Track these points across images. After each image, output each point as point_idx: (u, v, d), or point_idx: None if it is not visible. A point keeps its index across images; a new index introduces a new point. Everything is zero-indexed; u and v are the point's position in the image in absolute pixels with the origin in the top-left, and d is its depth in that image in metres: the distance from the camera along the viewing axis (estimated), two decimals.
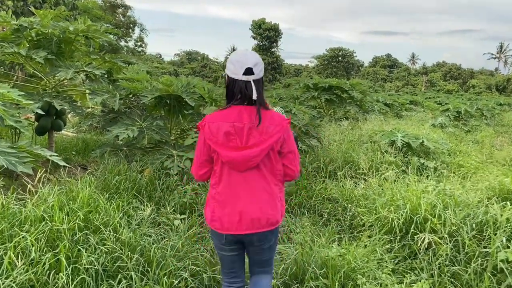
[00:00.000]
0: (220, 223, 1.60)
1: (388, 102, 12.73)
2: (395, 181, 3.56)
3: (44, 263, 1.73)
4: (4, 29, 4.67)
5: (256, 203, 1.58)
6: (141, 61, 6.96)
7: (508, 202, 2.60)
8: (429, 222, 2.55)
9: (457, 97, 29.09)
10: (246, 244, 1.67)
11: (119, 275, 1.91)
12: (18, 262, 1.65)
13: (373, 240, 2.59)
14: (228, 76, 1.60)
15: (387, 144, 5.19)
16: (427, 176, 3.85)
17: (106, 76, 4.60)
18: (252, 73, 1.56)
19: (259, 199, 1.59)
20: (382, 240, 2.60)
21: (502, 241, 2.22)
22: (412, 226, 2.60)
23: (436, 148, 5.47)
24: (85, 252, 1.88)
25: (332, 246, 2.48)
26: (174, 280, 1.97)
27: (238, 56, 1.59)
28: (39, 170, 2.31)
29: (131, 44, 31.06)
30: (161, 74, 7.54)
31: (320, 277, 2.20)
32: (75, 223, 2.01)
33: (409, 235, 2.59)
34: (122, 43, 28.09)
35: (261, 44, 49.84)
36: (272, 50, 50.32)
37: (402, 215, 2.71)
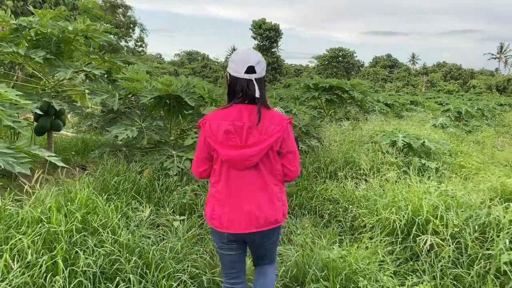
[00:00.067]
0: (220, 221, 1.60)
1: (388, 103, 12.71)
2: (396, 182, 3.53)
3: (41, 266, 1.71)
4: (4, 29, 4.65)
5: (255, 202, 1.58)
6: (141, 61, 6.94)
7: (511, 203, 2.57)
8: (431, 223, 2.53)
9: (457, 97, 29.08)
10: (248, 243, 1.68)
11: (117, 277, 1.88)
12: (14, 265, 1.62)
13: (375, 242, 2.57)
14: (230, 74, 1.60)
15: (388, 145, 5.17)
16: (429, 177, 3.82)
17: (105, 76, 4.58)
18: (254, 72, 1.56)
19: (258, 198, 1.58)
20: (384, 242, 2.58)
21: (505, 243, 2.19)
22: (414, 228, 2.57)
23: (437, 149, 5.44)
24: (83, 254, 1.85)
25: (333, 248, 2.46)
26: (173, 283, 1.94)
27: (240, 54, 1.59)
28: (36, 171, 2.29)
29: (131, 44, 31.05)
30: (161, 74, 7.51)
31: (321, 279, 2.17)
32: (73, 224, 1.99)
33: (411, 236, 2.57)
34: (122, 43, 28.09)
35: (261, 44, 49.82)
36: (272, 50, 50.30)
37: (403, 216, 2.68)
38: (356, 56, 62.20)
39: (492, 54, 69.53)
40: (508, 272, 2.06)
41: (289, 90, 10.95)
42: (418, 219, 2.60)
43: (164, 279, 1.96)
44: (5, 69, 6.51)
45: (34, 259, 1.73)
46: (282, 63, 53.93)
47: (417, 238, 2.49)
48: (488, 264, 2.20)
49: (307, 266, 2.28)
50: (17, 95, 2.62)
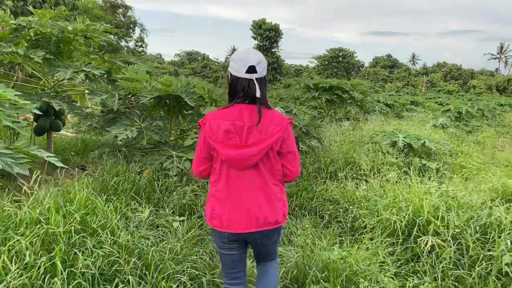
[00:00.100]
0: (219, 221, 1.60)
1: (389, 103, 12.69)
2: (397, 182, 3.52)
3: (39, 267, 1.69)
4: (4, 29, 4.64)
5: (255, 202, 1.58)
6: (141, 61, 6.93)
7: None
8: (432, 224, 2.51)
9: (457, 97, 29.08)
10: (249, 242, 1.69)
11: (116, 279, 1.87)
12: (12, 266, 1.61)
13: (375, 243, 2.55)
14: (231, 74, 1.60)
15: (388, 145, 5.15)
16: (429, 178, 3.81)
17: (105, 76, 4.57)
18: (255, 71, 1.56)
19: (258, 198, 1.58)
20: (385, 242, 2.56)
21: (507, 244, 2.18)
22: (415, 229, 2.56)
23: (438, 149, 5.43)
24: (82, 255, 1.83)
25: (333, 249, 2.44)
26: (172, 284, 1.93)
27: (241, 54, 1.59)
28: (35, 172, 2.27)
29: (131, 44, 31.06)
30: (161, 74, 7.50)
31: (322, 280, 2.16)
32: (72, 225, 1.97)
33: (412, 237, 2.55)
34: (123, 43, 28.09)
35: (261, 44, 49.82)
36: (272, 50, 50.30)
37: (404, 217, 2.67)
38: (356, 56, 62.23)
39: (492, 54, 69.56)
40: (510, 273, 2.05)
41: (289, 90, 10.94)
42: (419, 220, 2.59)
43: (164, 281, 1.95)
44: (5, 69, 6.50)
45: (33, 260, 1.72)
46: (282, 63, 53.93)
47: (418, 239, 2.48)
48: (490, 265, 2.18)
49: (307, 267, 2.27)
50: (16, 95, 2.61)
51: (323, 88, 8.48)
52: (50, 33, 4.11)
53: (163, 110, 4.36)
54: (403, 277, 2.35)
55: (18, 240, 1.76)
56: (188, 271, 2.08)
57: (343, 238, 2.84)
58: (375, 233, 2.74)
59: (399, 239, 2.59)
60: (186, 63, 59.01)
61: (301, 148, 4.78)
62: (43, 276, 1.69)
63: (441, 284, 2.20)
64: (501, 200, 3.12)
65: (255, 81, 1.54)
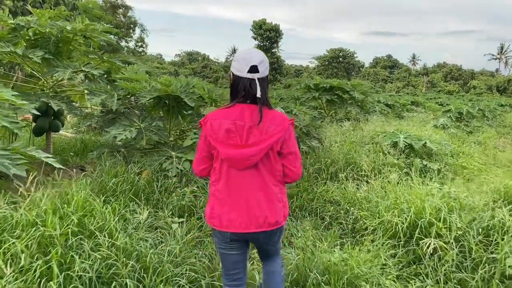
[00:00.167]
0: (219, 220, 1.60)
1: (389, 103, 12.67)
2: (398, 183, 3.49)
3: (35, 271, 1.66)
4: (3, 28, 4.61)
5: (254, 202, 1.58)
6: (141, 61, 6.90)
7: None
8: (434, 226, 2.48)
9: (458, 98, 29.06)
10: (250, 241, 1.70)
11: (114, 282, 1.84)
12: (7, 270, 1.58)
13: (376, 245, 2.52)
14: (233, 73, 1.60)
15: (389, 146, 5.13)
16: (431, 179, 3.78)
17: (105, 76, 4.54)
18: (257, 71, 1.56)
19: (257, 198, 1.58)
20: (386, 244, 2.53)
21: (510, 246, 2.15)
22: (417, 231, 2.53)
23: (439, 150, 5.40)
24: (79, 258, 1.80)
25: (334, 251, 2.41)
26: (171, 287, 1.90)
27: (243, 54, 1.60)
28: (31, 173, 2.24)
29: (131, 44, 31.07)
30: (161, 74, 7.48)
31: (322, 283, 2.12)
32: (69, 228, 1.94)
33: (414, 239, 2.52)
34: (123, 43, 28.10)
35: (261, 44, 49.84)
36: (272, 50, 50.32)
37: (406, 219, 2.64)
38: (357, 57, 62.24)
39: (493, 55, 69.46)
40: None
41: (289, 91, 10.92)
42: (421, 221, 2.56)
43: (162, 284, 1.92)
44: (5, 70, 6.47)
45: (28, 263, 1.69)
46: (282, 64, 53.96)
47: (420, 241, 2.45)
48: (493, 268, 2.15)
49: (308, 270, 2.24)
50: (13, 95, 2.58)
51: (324, 89, 8.46)
52: (49, 33, 4.08)
53: (163, 110, 4.33)
54: (405, 280, 2.32)
55: (13, 243, 1.73)
56: (187, 274, 2.05)
57: (344, 240, 2.81)
58: (376, 235, 2.71)
59: (400, 241, 2.56)
60: (186, 63, 59.00)
61: (302, 148, 4.75)
62: (39, 279, 1.66)
63: (444, 287, 2.17)
64: (503, 201, 3.09)
65: (256, 81, 1.54)
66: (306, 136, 5.10)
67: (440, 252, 2.36)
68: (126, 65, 5.02)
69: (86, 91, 4.40)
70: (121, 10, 27.94)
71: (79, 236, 1.98)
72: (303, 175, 3.97)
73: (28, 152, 2.48)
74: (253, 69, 1.54)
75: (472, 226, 2.47)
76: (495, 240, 2.33)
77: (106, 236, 2.04)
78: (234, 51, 62.63)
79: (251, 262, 2.34)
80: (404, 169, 4.30)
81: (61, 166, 2.63)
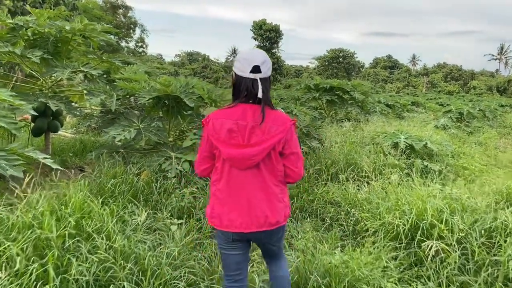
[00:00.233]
0: (220, 220, 1.60)
1: (389, 103, 12.64)
2: (399, 184, 3.46)
3: (31, 274, 1.63)
4: (3, 28, 4.59)
5: (254, 202, 1.58)
6: (141, 62, 6.88)
7: None
8: (436, 228, 2.46)
9: (458, 98, 29.04)
10: (253, 241, 1.70)
11: (112, 285, 1.81)
12: (2, 273, 1.55)
13: (378, 247, 2.49)
14: (235, 73, 1.60)
15: (390, 146, 5.10)
16: (432, 180, 3.75)
17: (104, 76, 4.52)
18: (259, 71, 1.56)
19: (258, 198, 1.58)
20: (388, 246, 2.50)
21: None
22: (418, 232, 2.50)
23: (440, 150, 5.37)
24: (76, 261, 1.78)
25: (335, 253, 2.38)
26: None
27: (246, 54, 1.60)
28: (27, 174, 2.22)
29: (131, 44, 31.08)
30: (161, 74, 7.45)
31: (323, 286, 2.10)
32: (66, 230, 1.91)
33: (415, 241, 2.50)
34: (123, 43, 28.10)
35: (261, 45, 49.87)
36: (273, 51, 50.35)
37: (407, 220, 2.61)
38: (357, 57, 62.22)
39: (493, 55, 69.44)
40: None
41: (289, 91, 10.90)
42: (423, 223, 2.53)
43: (160, 287, 1.89)
44: (4, 70, 6.45)
45: (24, 266, 1.66)
46: (282, 64, 53.97)
47: (421, 244, 2.42)
48: (496, 271, 2.13)
49: (308, 273, 2.21)
50: (10, 95, 2.55)
51: (324, 89, 8.43)
52: (47, 32, 4.06)
53: (162, 110, 4.31)
54: (407, 282, 2.29)
55: (8, 246, 1.70)
56: (186, 277, 2.02)
57: (345, 242, 2.78)
58: (377, 236, 2.68)
59: (402, 243, 2.53)
60: (186, 64, 58.98)
61: (302, 149, 4.73)
62: (34, 283, 1.63)
63: None
64: (505, 203, 3.06)
65: (258, 81, 1.55)
66: (306, 137, 5.07)
67: (442, 255, 2.33)
68: (126, 65, 4.99)
69: (85, 91, 4.37)
70: (121, 10, 27.94)
71: (76, 239, 1.95)
72: (304, 175, 3.94)
73: (25, 153, 2.46)
74: (256, 69, 1.55)
75: (474, 228, 2.44)
76: (498, 242, 2.30)
77: (104, 238, 2.01)
78: (234, 51, 62.65)
79: (251, 265, 2.31)
80: (405, 170, 4.28)
81: (58, 167, 2.60)
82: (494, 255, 2.26)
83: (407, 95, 34.56)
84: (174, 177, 3.38)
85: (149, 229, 2.52)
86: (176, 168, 3.46)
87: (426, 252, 2.34)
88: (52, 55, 4.18)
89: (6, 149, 2.38)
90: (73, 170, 3.44)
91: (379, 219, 2.81)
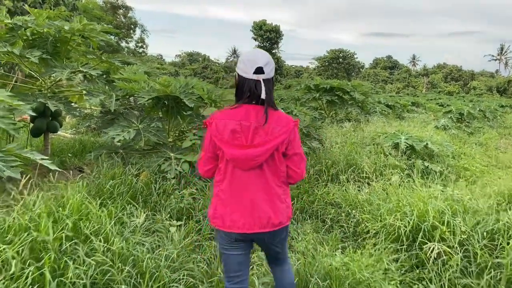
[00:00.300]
0: (222, 220, 1.60)
1: (390, 104, 12.62)
2: (400, 185, 3.43)
3: (27, 277, 1.61)
4: (2, 28, 4.57)
5: (257, 203, 1.57)
6: (141, 62, 6.85)
7: None
8: (438, 230, 2.43)
9: (458, 98, 29.00)
10: (256, 242, 1.69)
11: None
12: None
13: (379, 249, 2.47)
14: (238, 74, 1.61)
15: (390, 147, 5.07)
16: (433, 181, 3.72)
17: (104, 76, 4.49)
18: (263, 72, 1.57)
19: (260, 199, 1.58)
20: (389, 248, 2.48)
21: None
22: (420, 234, 2.47)
23: (440, 151, 5.35)
24: (73, 264, 1.75)
25: (336, 255, 2.36)
26: None
27: (249, 55, 1.60)
28: (24, 176, 2.19)
29: (132, 45, 31.08)
30: (161, 75, 7.43)
31: None
32: (63, 232, 1.89)
33: (417, 243, 2.47)
34: (123, 44, 28.09)
35: (262, 45, 49.88)
36: (273, 51, 50.36)
37: (409, 222, 2.58)
38: (357, 58, 62.21)
39: (492, 56, 69.41)
40: None
41: (289, 91, 10.88)
42: (424, 225, 2.51)
43: None
44: (4, 70, 6.41)
45: (20, 270, 1.63)
46: (282, 64, 53.96)
47: (423, 246, 2.39)
48: (499, 273, 2.10)
49: (309, 275, 2.18)
50: (8, 95, 2.53)
51: (324, 89, 8.42)
52: (46, 32, 4.04)
53: (162, 111, 4.28)
54: (408, 285, 2.27)
55: (4, 249, 1.68)
56: (185, 280, 2.00)
57: (346, 244, 2.75)
58: (378, 238, 2.66)
59: (403, 245, 2.51)
60: (186, 64, 58.97)
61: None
62: (30, 286, 1.61)
63: None
64: (507, 204, 3.04)
65: (262, 82, 1.55)
66: (307, 137, 5.05)
67: (444, 257, 2.31)
68: (125, 65, 4.97)
69: (84, 92, 4.35)
70: (121, 10, 27.94)
71: (73, 241, 1.93)
72: (305, 176, 3.91)
73: (23, 154, 2.43)
74: (259, 70, 1.55)
75: (476, 230, 2.41)
76: (500, 244, 2.27)
77: (102, 240, 1.98)
78: (234, 51, 62.65)
79: (251, 267, 2.29)
80: (406, 170, 4.25)
81: (56, 168, 2.58)
82: (497, 257, 2.23)
83: (407, 95, 34.54)
84: (174, 178, 3.35)
85: (147, 230, 2.49)
86: (176, 169, 3.43)
87: (428, 254, 2.31)
88: (51, 55, 4.16)
89: (3, 150, 2.36)
90: (71, 171, 3.42)
91: (380, 221, 2.78)
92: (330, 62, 59.01)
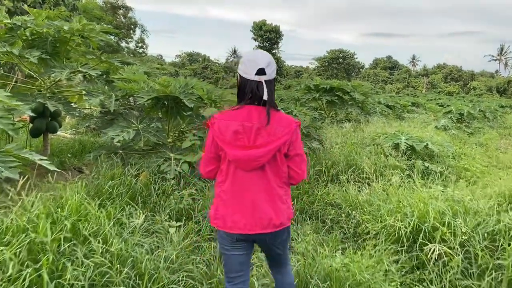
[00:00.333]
0: (223, 221, 1.60)
1: (390, 104, 12.62)
2: (400, 186, 3.42)
3: (24, 279, 1.59)
4: (1, 28, 4.56)
5: (259, 204, 1.57)
6: (141, 62, 6.84)
7: None
8: (439, 231, 2.42)
9: (458, 99, 29.02)
10: (257, 242, 1.69)
11: None
12: None
13: (379, 250, 2.46)
14: (240, 75, 1.61)
15: (390, 147, 5.06)
16: (433, 181, 3.71)
17: (103, 76, 4.48)
18: (264, 73, 1.57)
19: (262, 200, 1.58)
20: (389, 249, 2.46)
21: None
22: (420, 235, 2.46)
23: (441, 151, 5.33)
24: (71, 265, 1.74)
25: (336, 256, 2.35)
26: None
27: (251, 56, 1.61)
28: (22, 176, 2.18)
29: (132, 45, 31.07)
30: (161, 75, 7.42)
31: None
32: (61, 233, 1.87)
33: (417, 244, 2.46)
34: (123, 44, 28.08)
35: (262, 45, 49.89)
36: (273, 51, 50.36)
37: (409, 223, 2.57)
38: (357, 58, 62.21)
39: (492, 56, 69.41)
40: None
41: (289, 91, 10.88)
42: (425, 226, 2.49)
43: None
44: (4, 71, 6.40)
45: (17, 271, 1.62)
46: (282, 65, 53.99)
47: (424, 247, 2.38)
48: (500, 275, 2.09)
49: (308, 276, 2.17)
50: (7, 96, 2.52)
51: (324, 89, 8.41)
52: (46, 32, 4.03)
53: (161, 111, 4.27)
54: (409, 286, 2.26)
55: (1, 251, 1.66)
56: (184, 281, 1.98)
57: (346, 245, 2.74)
58: (378, 239, 2.64)
59: (404, 246, 2.49)
60: (186, 64, 58.96)
61: None
62: None
63: None
64: (508, 205, 3.02)
65: (263, 83, 1.55)
66: (307, 138, 5.04)
67: (444, 258, 2.30)
68: (125, 65, 4.95)
69: (84, 92, 4.34)
70: (121, 11, 27.93)
71: (72, 242, 1.91)
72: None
73: (21, 154, 2.42)
74: (261, 71, 1.55)
75: (477, 231, 2.40)
76: (502, 245, 2.26)
77: (100, 241, 1.97)
78: (234, 52, 62.66)
79: (251, 268, 2.27)
80: (406, 171, 4.24)
81: (55, 169, 2.57)
82: (498, 258, 2.22)
83: (407, 95, 34.56)
84: (173, 178, 3.34)
85: (147, 231, 2.48)
86: (175, 169, 3.42)
87: (429, 256, 2.30)
88: (51, 55, 4.15)
89: (2, 150, 2.34)
90: (71, 172, 3.40)
91: (380, 222, 2.77)
92: (330, 62, 59.02)
